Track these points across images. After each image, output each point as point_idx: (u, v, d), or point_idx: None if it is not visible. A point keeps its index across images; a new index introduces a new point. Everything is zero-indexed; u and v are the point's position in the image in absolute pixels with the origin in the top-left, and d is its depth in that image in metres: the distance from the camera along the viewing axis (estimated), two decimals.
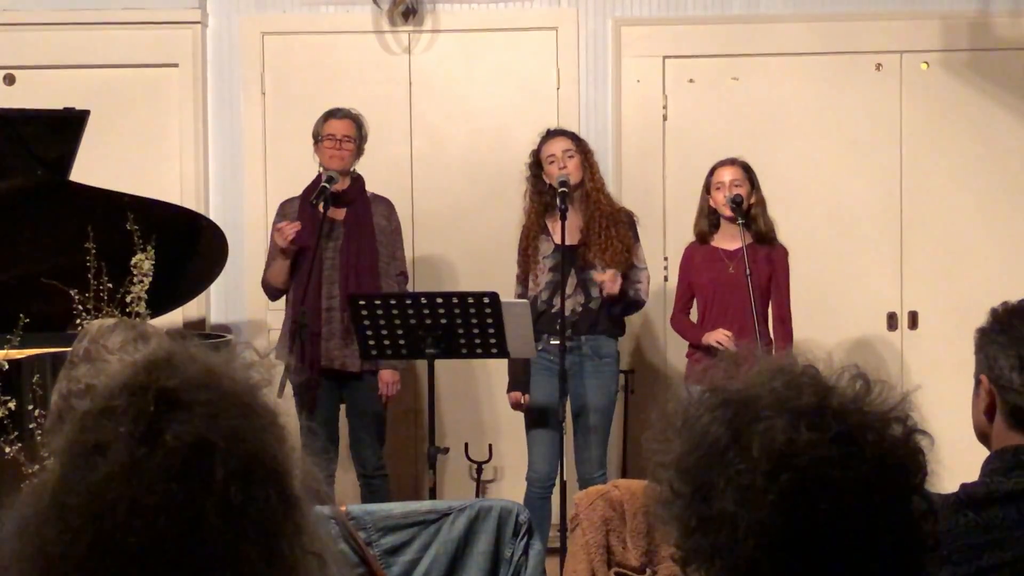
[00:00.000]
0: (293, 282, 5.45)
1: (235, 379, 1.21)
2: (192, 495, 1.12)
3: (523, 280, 5.43)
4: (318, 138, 5.53)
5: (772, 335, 5.26)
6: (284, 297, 5.56)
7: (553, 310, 5.28)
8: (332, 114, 5.55)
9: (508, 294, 5.36)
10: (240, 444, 1.15)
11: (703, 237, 5.39)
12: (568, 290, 5.27)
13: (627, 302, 5.34)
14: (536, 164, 5.39)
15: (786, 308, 5.37)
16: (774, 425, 1.27)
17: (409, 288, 5.74)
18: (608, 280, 5.18)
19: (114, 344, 2.36)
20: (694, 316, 5.47)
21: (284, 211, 5.60)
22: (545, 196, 5.34)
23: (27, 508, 1.17)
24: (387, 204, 5.63)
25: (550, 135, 5.43)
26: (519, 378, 5.39)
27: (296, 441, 1.22)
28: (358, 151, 5.54)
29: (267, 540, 1.13)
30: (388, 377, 5.45)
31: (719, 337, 5.16)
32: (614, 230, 5.29)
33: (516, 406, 5.42)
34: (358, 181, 5.57)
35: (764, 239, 5.31)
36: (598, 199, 5.33)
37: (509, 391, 5.45)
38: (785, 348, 5.04)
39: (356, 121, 5.54)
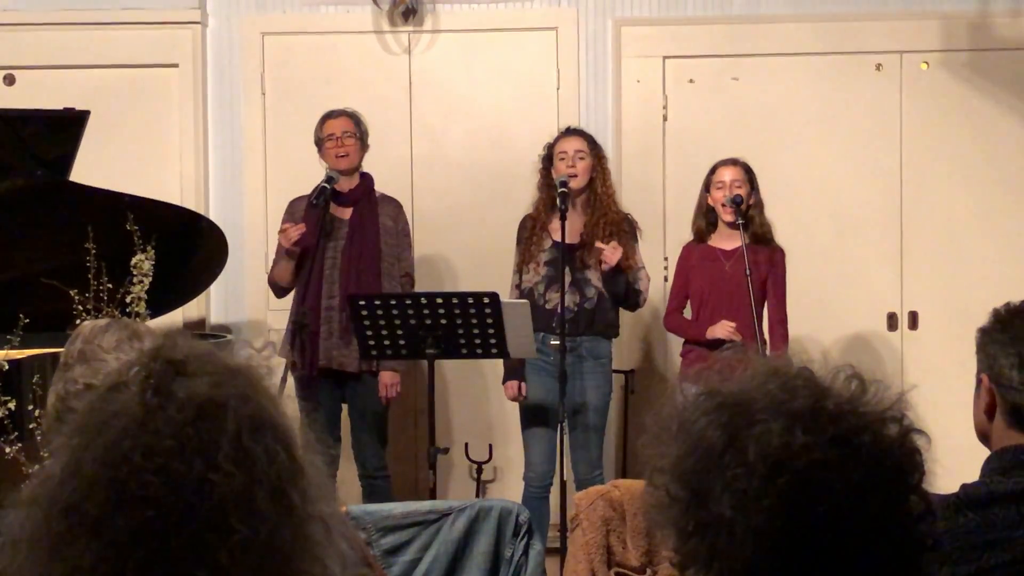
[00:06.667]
0: (298, 281, 5.44)
1: (236, 360, 1.24)
2: (205, 440, 1.13)
3: (519, 271, 5.42)
4: (320, 143, 5.53)
5: (768, 336, 5.26)
6: (290, 295, 5.55)
7: (547, 306, 5.28)
8: (328, 115, 5.55)
9: (508, 294, 5.36)
10: (248, 404, 1.17)
11: (700, 236, 5.39)
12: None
13: (626, 289, 5.30)
14: (548, 158, 5.39)
15: (783, 310, 5.36)
16: (770, 429, 1.27)
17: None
18: (609, 250, 5.17)
19: (109, 344, 2.36)
20: (688, 315, 5.46)
21: (292, 210, 5.58)
22: (552, 191, 5.34)
23: (38, 479, 1.18)
24: (395, 205, 5.61)
25: (567, 133, 5.44)
26: (514, 366, 5.37)
27: (296, 428, 1.23)
28: (362, 147, 5.53)
29: (278, 488, 1.15)
30: (388, 379, 5.43)
31: (725, 330, 5.14)
32: (615, 240, 5.28)
33: (514, 397, 5.41)
34: (366, 180, 5.56)
35: (761, 240, 5.31)
36: (607, 205, 5.31)
37: (505, 381, 5.44)
38: (782, 349, 5.03)
39: (353, 117, 5.54)
